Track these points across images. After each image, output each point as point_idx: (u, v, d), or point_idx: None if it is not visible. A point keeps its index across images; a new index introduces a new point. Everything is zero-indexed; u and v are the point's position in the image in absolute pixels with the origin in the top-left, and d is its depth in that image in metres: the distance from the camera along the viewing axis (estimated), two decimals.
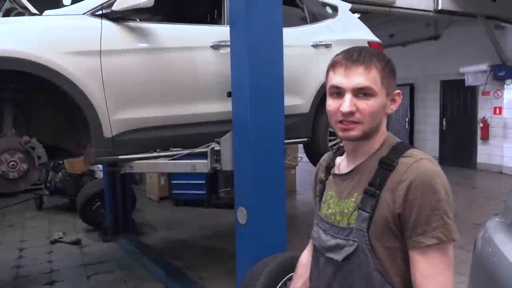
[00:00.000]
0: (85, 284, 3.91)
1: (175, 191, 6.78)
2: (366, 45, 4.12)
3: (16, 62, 2.36)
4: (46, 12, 2.65)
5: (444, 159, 10.10)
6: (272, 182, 2.65)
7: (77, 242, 5.00)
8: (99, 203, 5.44)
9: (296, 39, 3.57)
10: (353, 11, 6.62)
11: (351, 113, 1.07)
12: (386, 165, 1.07)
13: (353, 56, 1.09)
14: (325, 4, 4.08)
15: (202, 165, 2.76)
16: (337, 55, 1.13)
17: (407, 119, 10.86)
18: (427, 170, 1.03)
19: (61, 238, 5.12)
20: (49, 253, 4.71)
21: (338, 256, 1.11)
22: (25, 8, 2.63)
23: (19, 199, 7.01)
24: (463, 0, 7.16)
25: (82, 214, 5.47)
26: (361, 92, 1.08)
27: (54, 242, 5.03)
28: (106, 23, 2.71)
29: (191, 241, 5.16)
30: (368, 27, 4.40)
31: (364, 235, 1.06)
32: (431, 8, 7.13)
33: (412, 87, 10.74)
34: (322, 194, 1.25)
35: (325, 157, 1.34)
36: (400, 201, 1.02)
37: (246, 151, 2.59)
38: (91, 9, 2.72)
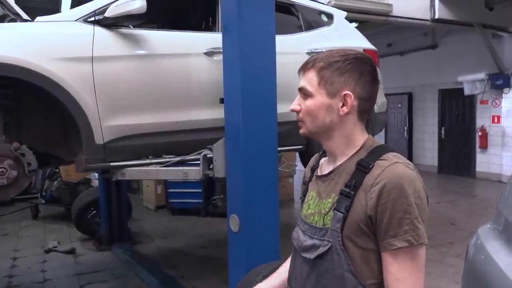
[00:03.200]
0: None
1: (172, 200, 6.75)
2: None
3: (7, 68, 2.34)
4: (38, 19, 2.64)
5: (443, 168, 10.08)
6: (265, 189, 2.62)
7: (71, 251, 4.95)
8: (94, 211, 5.40)
9: (291, 47, 3.56)
10: (350, 20, 6.66)
11: (295, 111, 1.20)
12: (363, 167, 1.10)
13: (308, 60, 1.20)
14: (320, 12, 4.09)
15: (195, 172, 2.73)
16: None
17: (405, 127, 10.86)
18: (401, 173, 1.05)
19: (56, 247, 5.08)
20: (43, 262, 4.67)
21: (312, 255, 1.13)
22: (17, 14, 2.63)
23: (15, 208, 6.99)
24: (460, 9, 7.20)
25: (77, 223, 5.44)
26: (302, 93, 1.18)
27: (48, 251, 4.99)
28: (99, 29, 2.70)
29: (187, 250, 5.12)
30: (366, 36, 4.41)
31: (338, 235, 1.08)
32: (428, 17, 7.17)
33: (410, 96, 10.75)
34: (305, 195, 1.28)
35: (312, 158, 1.36)
36: (372, 204, 1.04)
37: (238, 158, 2.56)
38: (84, 16, 2.71)
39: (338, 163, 1.17)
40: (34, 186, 6.80)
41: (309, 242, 1.15)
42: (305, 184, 1.31)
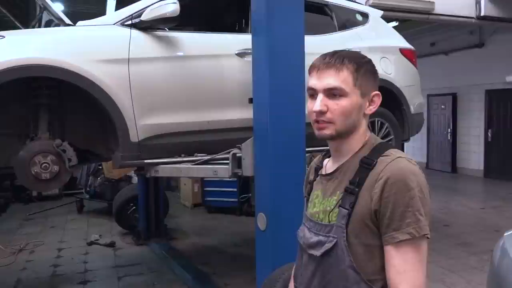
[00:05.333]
0: (115, 285, 4.05)
1: (208, 198, 6.88)
2: (398, 52, 4.04)
3: (50, 69, 2.51)
4: (79, 23, 2.81)
5: (490, 172, 9.61)
6: (293, 188, 2.62)
7: (111, 245, 5.18)
8: (133, 207, 5.62)
9: (324, 47, 3.51)
10: (390, 19, 6.50)
11: (321, 113, 1.14)
12: (366, 164, 1.12)
13: (326, 58, 1.15)
14: (355, 11, 4.04)
15: (224, 171, 2.79)
16: (316, 59, 1.19)
17: (449, 130, 10.44)
18: (403, 168, 1.07)
19: (97, 240, 5.34)
20: (85, 254, 4.92)
21: (318, 252, 1.15)
22: (60, 19, 2.80)
23: (62, 202, 7.41)
24: (508, 5, 6.84)
25: (118, 218, 5.67)
26: (332, 93, 1.13)
27: (90, 243, 5.26)
28: (135, 32, 2.83)
29: (220, 247, 5.21)
30: (408, 35, 4.31)
31: (342, 231, 1.10)
32: (473, 15, 6.87)
33: (454, 97, 10.34)
34: (309, 195, 1.30)
35: (316, 159, 1.38)
36: (376, 198, 1.06)
37: (266, 157, 2.59)
38: (122, 19, 2.85)
39: (342, 161, 1.20)
40: (79, 182, 7.16)
41: (315, 239, 1.18)
42: (310, 183, 1.33)
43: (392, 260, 1.05)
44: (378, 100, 1.19)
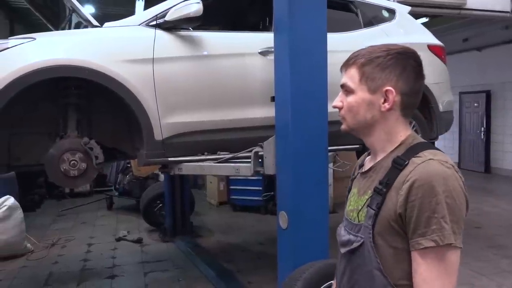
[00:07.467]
0: (141, 280, 4.13)
1: (233, 197, 6.92)
2: (426, 49, 3.93)
3: (78, 70, 2.60)
4: (106, 24, 2.88)
5: None
6: (314, 187, 2.62)
7: (139, 241, 5.30)
8: (160, 205, 5.72)
9: (349, 44, 3.48)
10: (420, 15, 6.33)
11: (337, 108, 1.18)
12: (398, 164, 1.07)
13: (349, 57, 1.17)
14: (381, 8, 3.97)
15: (246, 169, 2.80)
16: None
17: (482, 128, 10.08)
18: (432, 171, 1.01)
19: (125, 236, 5.46)
20: (113, 250, 5.05)
21: (344, 250, 1.15)
22: (88, 21, 2.89)
23: (93, 199, 7.63)
24: None
25: (145, 215, 5.78)
26: (345, 90, 1.16)
27: (119, 239, 5.39)
28: (160, 32, 2.89)
29: (245, 246, 5.23)
30: (439, 31, 4.20)
31: (369, 231, 1.07)
32: (508, 9, 6.61)
33: (488, 94, 9.97)
34: (349, 192, 1.28)
35: (362, 156, 1.34)
36: (402, 201, 1.02)
37: (288, 156, 2.59)
38: (146, 20, 2.91)
39: (378, 159, 1.17)
40: (109, 179, 7.36)
41: (346, 237, 1.17)
42: (351, 181, 1.31)
43: (417, 267, 1.00)
44: (391, 96, 1.10)
